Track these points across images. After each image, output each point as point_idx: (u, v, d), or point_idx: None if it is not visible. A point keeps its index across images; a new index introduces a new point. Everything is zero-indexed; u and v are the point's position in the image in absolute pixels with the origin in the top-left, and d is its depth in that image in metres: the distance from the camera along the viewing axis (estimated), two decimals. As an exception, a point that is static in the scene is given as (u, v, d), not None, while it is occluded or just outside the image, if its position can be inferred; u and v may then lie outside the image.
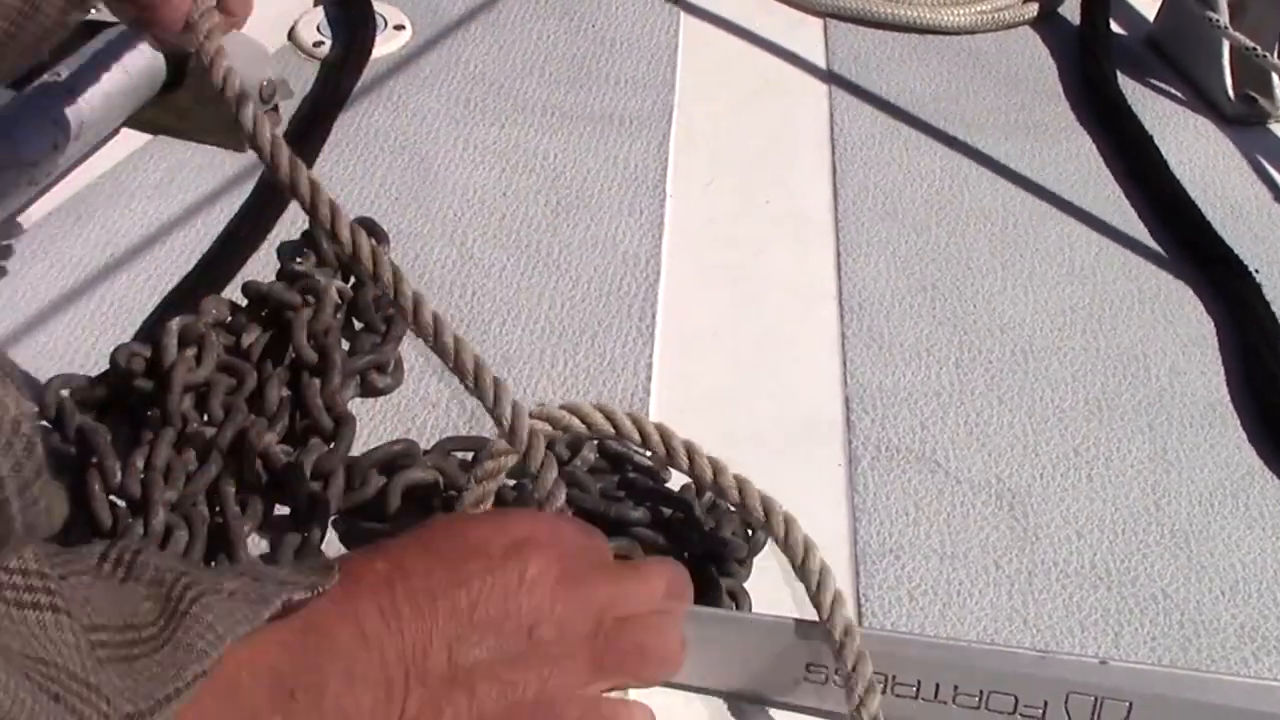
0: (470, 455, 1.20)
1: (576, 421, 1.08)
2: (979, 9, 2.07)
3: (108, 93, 1.51)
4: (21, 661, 0.49)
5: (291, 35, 1.84)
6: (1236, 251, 1.60)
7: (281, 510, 1.17)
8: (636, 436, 1.06)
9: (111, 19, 1.57)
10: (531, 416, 1.10)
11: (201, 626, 0.58)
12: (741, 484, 1.03)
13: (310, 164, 1.58)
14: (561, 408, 1.09)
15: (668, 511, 1.13)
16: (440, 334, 1.01)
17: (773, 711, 1.05)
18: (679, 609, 0.88)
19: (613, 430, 1.07)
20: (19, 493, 0.49)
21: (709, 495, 1.15)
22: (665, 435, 1.05)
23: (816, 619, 1.02)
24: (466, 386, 1.00)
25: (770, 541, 1.13)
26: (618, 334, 1.40)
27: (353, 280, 1.39)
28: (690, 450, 1.05)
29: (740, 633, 1.04)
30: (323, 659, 0.66)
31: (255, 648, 0.62)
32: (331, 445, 1.19)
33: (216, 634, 0.58)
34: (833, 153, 1.74)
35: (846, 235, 1.59)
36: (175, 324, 1.23)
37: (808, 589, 1.01)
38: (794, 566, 1.01)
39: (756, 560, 1.14)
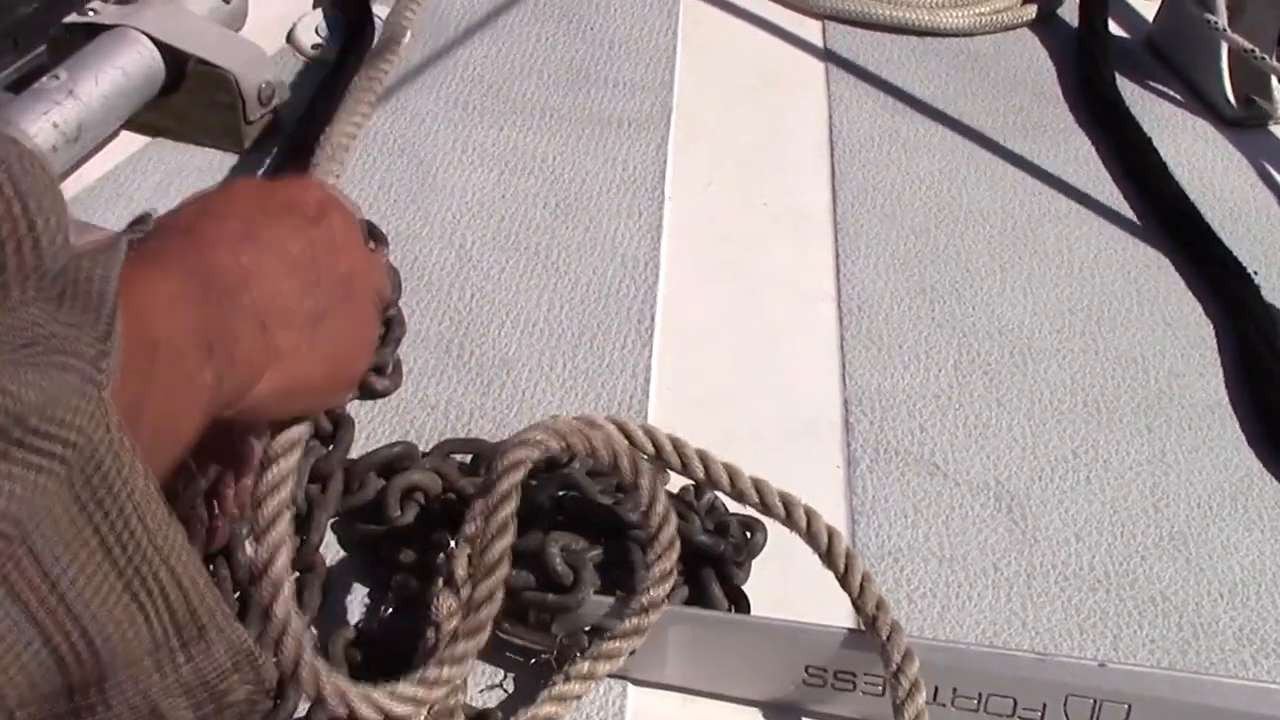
0: (469, 458, 1.20)
1: (590, 433, 1.09)
2: (977, 11, 2.07)
3: (106, 95, 1.52)
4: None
5: (290, 38, 1.84)
6: (1235, 253, 1.60)
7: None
8: (650, 448, 1.07)
9: (110, 21, 1.58)
10: (543, 427, 1.10)
11: (85, 268, 0.56)
12: (758, 484, 1.05)
13: (307, 167, 1.58)
14: (575, 420, 1.10)
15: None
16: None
17: (772, 715, 1.05)
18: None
19: (627, 442, 1.09)
20: None
21: (708, 497, 1.15)
22: (679, 445, 1.07)
23: (815, 624, 1.02)
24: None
25: (767, 548, 1.14)
26: (616, 336, 1.40)
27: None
28: (704, 458, 1.06)
29: (739, 636, 1.04)
30: (224, 313, 0.68)
31: (169, 303, 0.63)
32: (330, 447, 1.19)
33: (103, 268, 0.57)
34: (831, 154, 1.74)
35: (845, 237, 1.59)
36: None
37: (835, 574, 1.02)
38: (820, 555, 1.03)
39: (754, 563, 1.14)
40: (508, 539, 0.98)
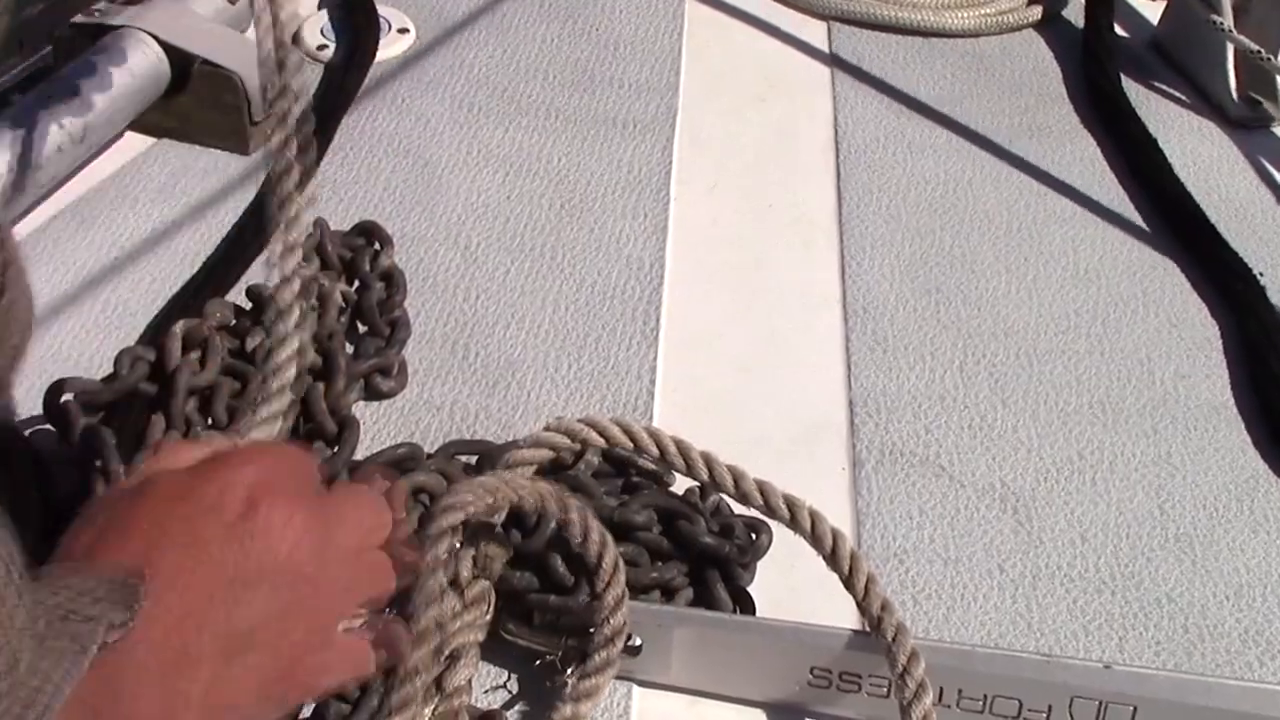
0: (474, 459, 1.20)
1: (594, 435, 1.09)
2: (983, 12, 2.07)
3: (112, 96, 1.52)
4: None
5: (296, 39, 1.84)
6: (1241, 254, 1.60)
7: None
8: (655, 450, 1.07)
9: (115, 22, 1.58)
10: (549, 429, 1.11)
11: (38, 679, 0.55)
12: (763, 486, 1.06)
13: (314, 168, 1.58)
14: (580, 421, 1.10)
15: (672, 516, 1.13)
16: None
17: (777, 716, 1.05)
18: (401, 518, 0.88)
19: (631, 444, 1.09)
20: None
21: (712, 498, 1.15)
22: (683, 448, 1.07)
23: (820, 626, 1.02)
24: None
25: (772, 549, 1.14)
26: (622, 337, 1.40)
27: (357, 284, 1.39)
28: (709, 460, 1.07)
29: (745, 637, 1.04)
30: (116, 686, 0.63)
31: None
32: (335, 449, 1.19)
33: (54, 685, 0.56)
34: (837, 156, 1.74)
35: (851, 238, 1.59)
36: (179, 327, 1.23)
37: (840, 575, 1.02)
38: (825, 557, 1.03)
39: (759, 565, 1.14)
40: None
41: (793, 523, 1.04)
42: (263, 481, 0.72)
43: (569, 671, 1.01)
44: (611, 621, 1.00)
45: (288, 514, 0.71)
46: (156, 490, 0.72)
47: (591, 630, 1.02)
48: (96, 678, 0.60)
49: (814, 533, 1.03)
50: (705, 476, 1.07)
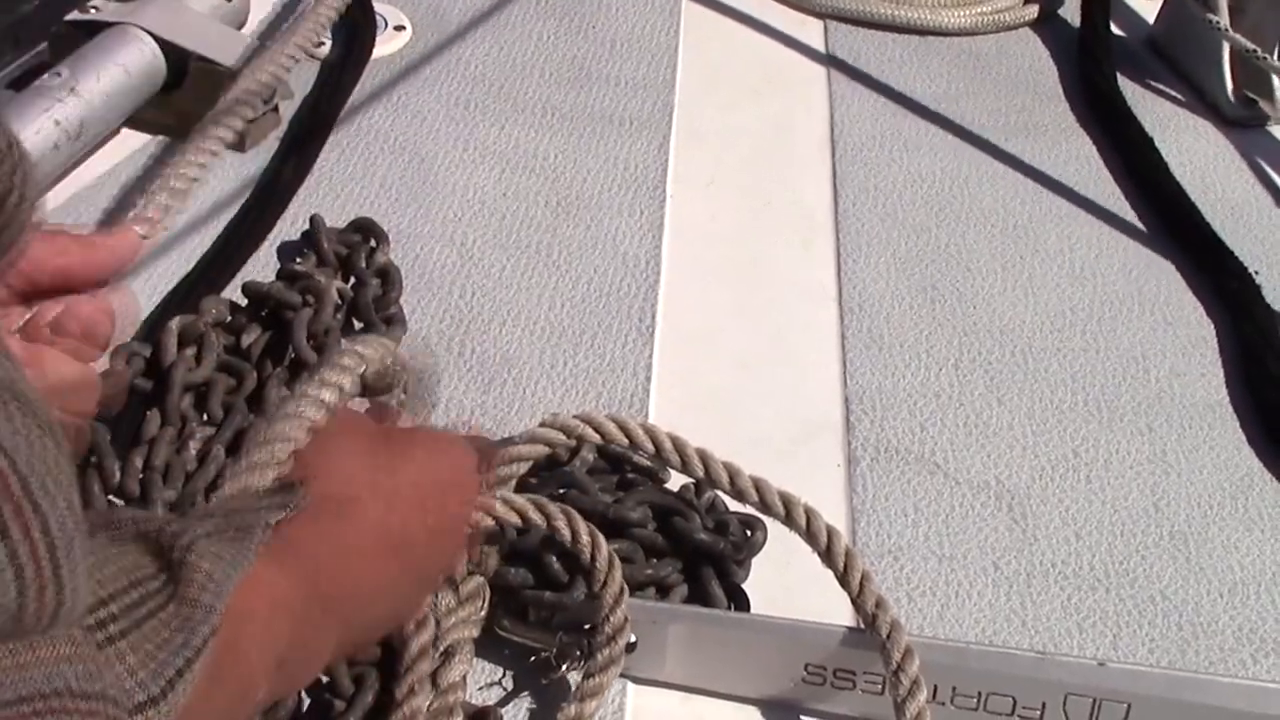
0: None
1: (590, 431, 1.09)
2: (979, 10, 2.07)
3: (108, 93, 1.52)
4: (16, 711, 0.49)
5: (292, 35, 1.84)
6: (1236, 253, 1.60)
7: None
8: (650, 446, 1.07)
9: (111, 18, 1.58)
10: (544, 425, 1.11)
11: (201, 577, 0.58)
12: (758, 483, 1.06)
13: (310, 165, 1.59)
14: (576, 417, 1.10)
15: (667, 512, 1.13)
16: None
17: (772, 713, 1.05)
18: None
19: (626, 440, 1.09)
20: None
21: (708, 495, 1.15)
22: (679, 444, 1.07)
23: (814, 623, 1.02)
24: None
25: (767, 546, 1.14)
26: (618, 335, 1.40)
27: (352, 280, 1.39)
28: (704, 457, 1.07)
29: (739, 634, 1.04)
30: (313, 627, 0.69)
31: (254, 631, 0.63)
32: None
33: (216, 583, 0.58)
34: (833, 154, 1.74)
35: (847, 236, 1.59)
36: (175, 323, 1.24)
37: (835, 572, 1.02)
38: (820, 554, 1.03)
39: (754, 562, 1.14)
40: None
41: (788, 519, 1.05)
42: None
43: (564, 667, 1.01)
44: (612, 619, 1.00)
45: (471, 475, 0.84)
46: (420, 463, 0.81)
47: (588, 627, 1.02)
48: (301, 625, 0.66)
49: (809, 529, 1.03)
50: (701, 473, 1.07)
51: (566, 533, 1.01)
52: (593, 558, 1.01)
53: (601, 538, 1.02)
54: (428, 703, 0.96)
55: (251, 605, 0.61)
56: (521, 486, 1.09)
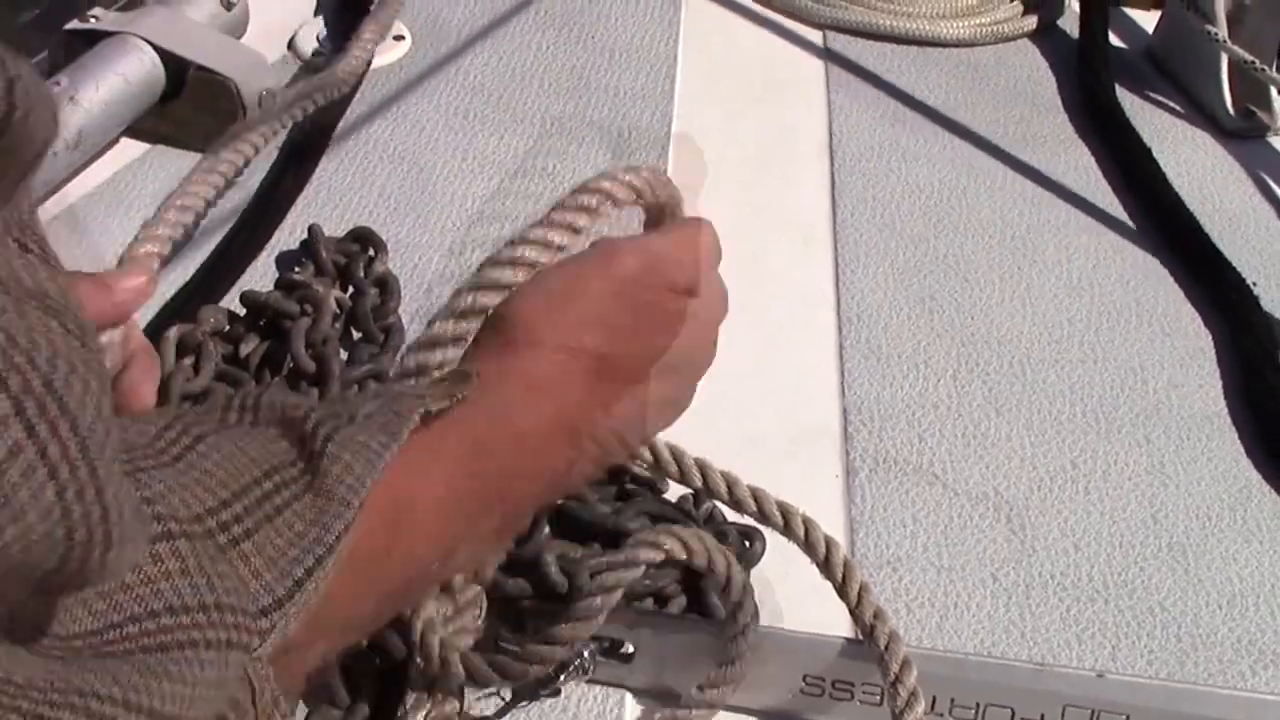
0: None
1: None
2: (978, 21, 2.07)
3: (107, 102, 1.52)
4: (136, 643, 0.47)
5: (291, 45, 1.84)
6: (1235, 264, 1.60)
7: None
8: (649, 456, 1.07)
9: (111, 28, 1.58)
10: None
11: (339, 468, 0.56)
12: (756, 494, 1.06)
13: (309, 174, 1.58)
14: None
15: (665, 523, 1.13)
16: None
17: (769, 723, 1.05)
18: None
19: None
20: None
21: (706, 506, 1.15)
22: (677, 454, 1.07)
23: (812, 634, 1.02)
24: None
25: (765, 557, 1.14)
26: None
27: (351, 290, 1.39)
28: (703, 467, 1.06)
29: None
30: (503, 486, 0.68)
31: (422, 516, 0.63)
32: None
33: (355, 476, 0.57)
34: (831, 164, 1.74)
35: (845, 247, 1.59)
36: (173, 333, 1.23)
37: (833, 583, 1.02)
38: (818, 565, 1.03)
39: (752, 572, 1.14)
40: None
41: (786, 530, 1.04)
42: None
43: (562, 678, 1.01)
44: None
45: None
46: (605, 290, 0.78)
47: (590, 637, 1.02)
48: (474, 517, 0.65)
49: (807, 540, 1.03)
50: (699, 483, 1.07)
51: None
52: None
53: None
54: (425, 713, 0.95)
55: (410, 491, 0.60)
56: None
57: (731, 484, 1.06)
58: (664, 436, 1.09)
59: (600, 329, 0.74)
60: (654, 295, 0.79)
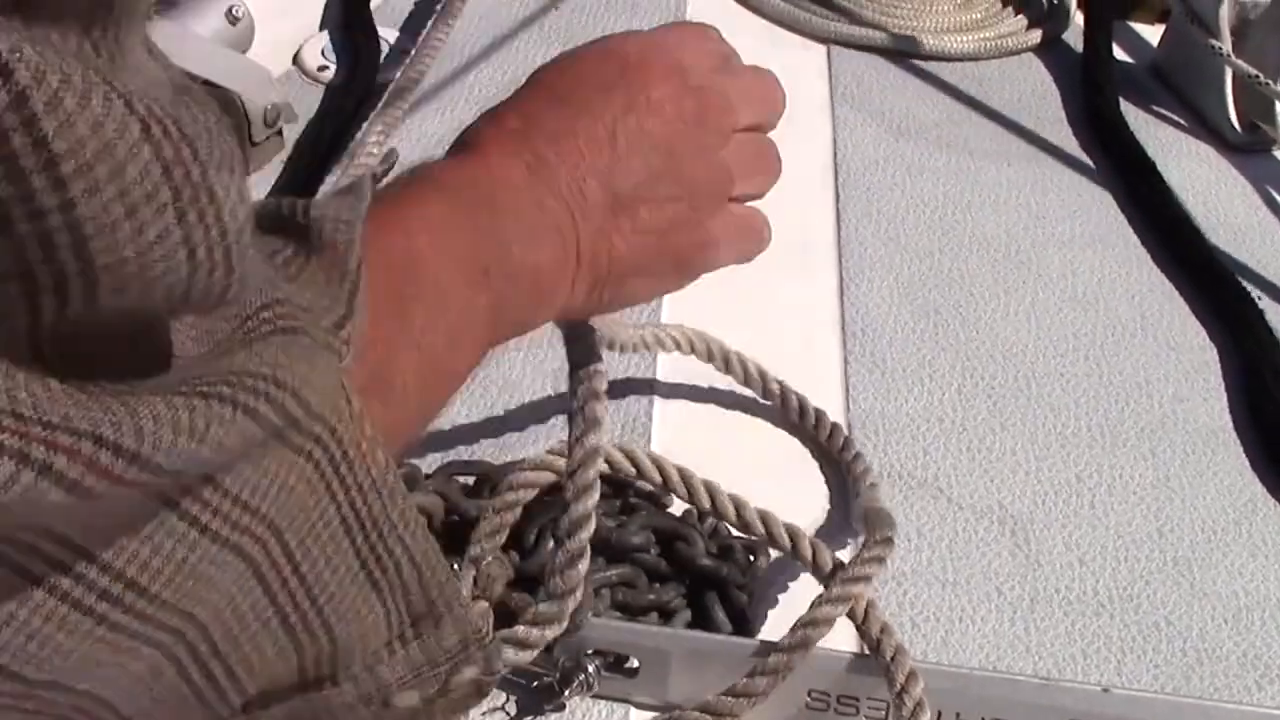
0: (472, 480, 1.20)
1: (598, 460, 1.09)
2: (982, 35, 2.08)
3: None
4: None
5: (296, 59, 1.85)
6: (1240, 278, 1.60)
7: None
8: (657, 477, 1.08)
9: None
10: (550, 453, 1.11)
11: (329, 225, 0.55)
12: (764, 516, 1.06)
13: (315, 189, 1.59)
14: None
15: (670, 537, 1.13)
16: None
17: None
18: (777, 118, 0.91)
19: (634, 469, 1.09)
20: None
21: (710, 520, 1.15)
22: (686, 476, 1.07)
23: (818, 648, 1.02)
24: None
25: (770, 570, 1.14)
26: (620, 358, 1.40)
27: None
28: (711, 489, 1.07)
29: (741, 658, 1.04)
30: (497, 227, 0.67)
31: (430, 235, 0.63)
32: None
33: (347, 222, 0.56)
34: (836, 178, 1.75)
35: (849, 261, 1.59)
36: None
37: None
38: (824, 583, 1.03)
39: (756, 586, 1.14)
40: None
41: (794, 552, 1.05)
42: (647, 58, 0.77)
43: (567, 693, 1.01)
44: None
45: (666, 87, 0.76)
46: (544, 72, 0.81)
47: (591, 651, 1.02)
48: (471, 230, 0.64)
49: (815, 562, 1.04)
50: (707, 505, 1.08)
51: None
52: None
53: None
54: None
55: (396, 239, 0.60)
56: (527, 510, 1.09)
57: (739, 506, 1.07)
58: (668, 450, 1.09)
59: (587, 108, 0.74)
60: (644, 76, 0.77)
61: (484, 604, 1.03)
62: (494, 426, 1.30)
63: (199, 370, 0.42)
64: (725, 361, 1.31)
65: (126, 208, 0.36)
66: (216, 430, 0.40)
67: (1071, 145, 1.88)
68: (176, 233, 0.38)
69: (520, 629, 0.85)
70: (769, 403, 1.34)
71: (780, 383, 1.32)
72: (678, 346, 1.29)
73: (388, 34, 1.90)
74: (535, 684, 1.04)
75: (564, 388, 1.35)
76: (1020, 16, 2.13)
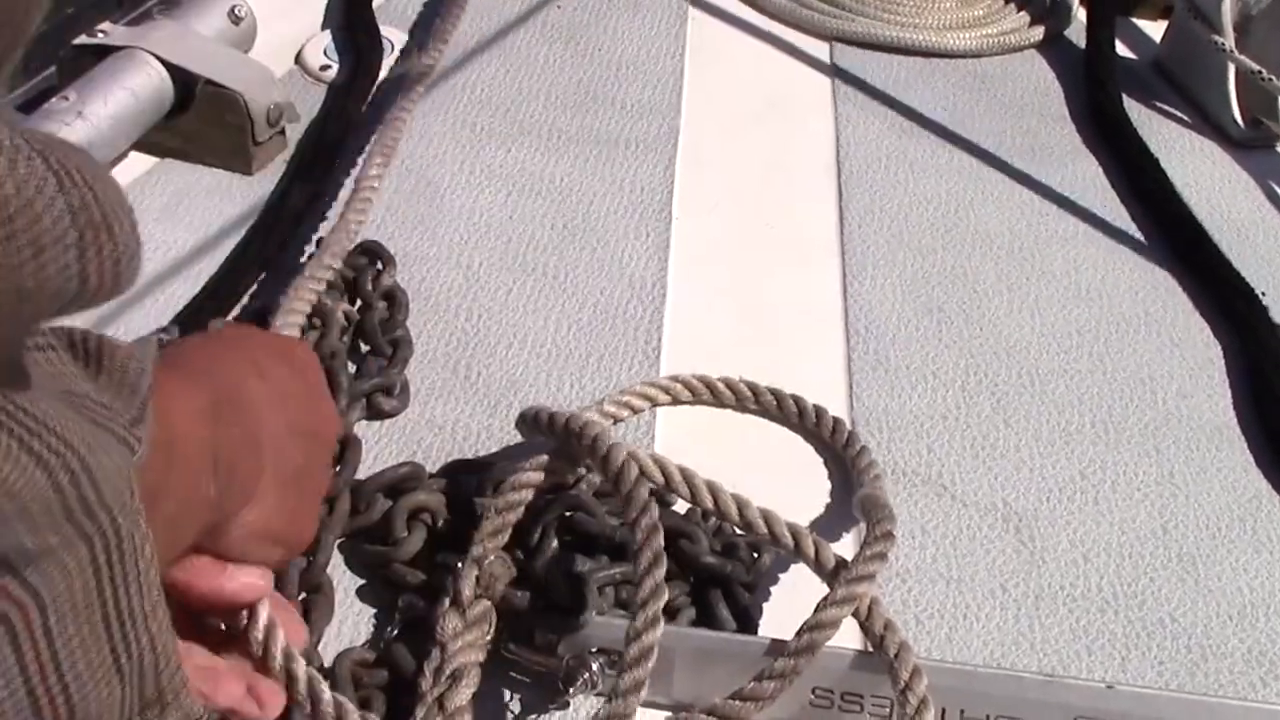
0: (475, 479, 1.20)
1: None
2: (985, 32, 2.07)
3: (115, 116, 1.52)
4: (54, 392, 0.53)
5: (299, 59, 1.85)
6: (1243, 274, 1.60)
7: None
8: (660, 478, 1.07)
9: (119, 43, 1.58)
10: (551, 453, 1.11)
11: (122, 354, 0.59)
12: (767, 516, 1.06)
13: (317, 189, 1.59)
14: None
15: (674, 535, 1.13)
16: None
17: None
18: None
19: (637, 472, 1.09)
20: None
21: (714, 519, 1.15)
22: (688, 476, 1.07)
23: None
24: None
25: (774, 568, 1.14)
26: (624, 357, 1.40)
27: (359, 303, 1.39)
28: (714, 489, 1.07)
29: (745, 655, 1.04)
30: (231, 427, 0.70)
31: (179, 418, 0.65)
32: (337, 468, 1.19)
33: (137, 359, 0.60)
34: (839, 175, 1.75)
35: (852, 258, 1.59)
36: (181, 347, 1.23)
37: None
38: (827, 581, 1.03)
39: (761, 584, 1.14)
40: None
41: (797, 551, 1.05)
42: (311, 353, 0.87)
43: (571, 690, 1.01)
44: (644, 639, 0.97)
45: (323, 382, 0.85)
46: (244, 329, 0.92)
47: (594, 650, 1.02)
48: (219, 425, 0.67)
49: (818, 561, 1.03)
50: (710, 505, 1.08)
51: (639, 540, 1.00)
52: (648, 570, 1.00)
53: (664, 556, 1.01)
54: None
55: (165, 403, 0.62)
56: (529, 509, 1.09)
57: (742, 506, 1.06)
58: (671, 449, 1.09)
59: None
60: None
61: (486, 602, 1.03)
62: (497, 426, 1.30)
63: (26, 400, 0.48)
64: (718, 395, 1.33)
65: (35, 250, 0.43)
66: (10, 471, 0.46)
67: (1074, 142, 1.88)
68: (75, 266, 0.45)
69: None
70: (770, 405, 1.33)
71: (774, 390, 1.32)
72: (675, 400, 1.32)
73: (389, 33, 1.90)
74: (539, 682, 1.04)
75: (567, 386, 1.36)
76: (1023, 13, 2.13)
